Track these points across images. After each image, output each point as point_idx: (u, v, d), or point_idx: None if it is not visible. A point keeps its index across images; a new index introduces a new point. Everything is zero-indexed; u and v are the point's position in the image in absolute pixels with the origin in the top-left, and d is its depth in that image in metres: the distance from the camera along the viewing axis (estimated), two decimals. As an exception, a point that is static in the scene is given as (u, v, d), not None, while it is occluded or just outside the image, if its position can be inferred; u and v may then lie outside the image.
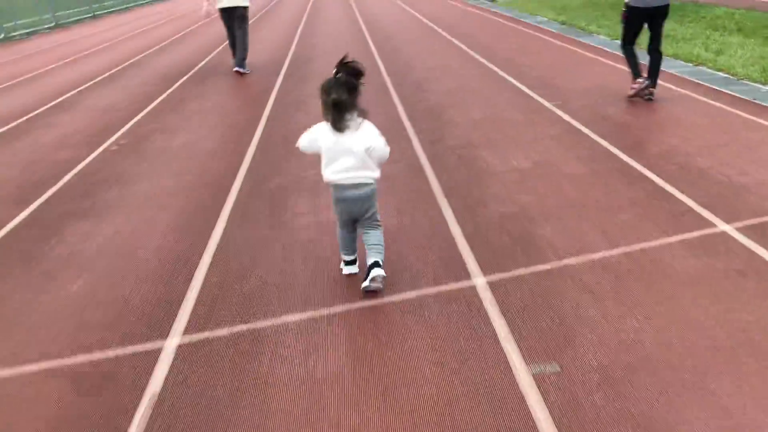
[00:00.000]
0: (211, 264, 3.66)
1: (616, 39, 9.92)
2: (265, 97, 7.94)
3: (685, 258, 3.35)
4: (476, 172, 4.81)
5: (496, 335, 2.84)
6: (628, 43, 6.44)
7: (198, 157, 5.70)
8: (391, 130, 6.04)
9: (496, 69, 8.63)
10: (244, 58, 9.51)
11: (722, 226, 3.66)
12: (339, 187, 3.12)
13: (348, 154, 3.04)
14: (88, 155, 6.02)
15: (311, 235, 3.95)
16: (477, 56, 9.69)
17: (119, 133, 6.72)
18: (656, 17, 6.15)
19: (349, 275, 3.42)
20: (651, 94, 6.37)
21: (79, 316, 3.27)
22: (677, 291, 3.07)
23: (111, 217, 4.47)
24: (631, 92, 6.49)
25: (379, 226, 3.27)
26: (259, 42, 12.29)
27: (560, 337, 2.80)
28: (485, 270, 3.36)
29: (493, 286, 3.22)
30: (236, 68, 9.53)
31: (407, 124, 6.28)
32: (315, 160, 3.25)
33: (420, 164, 5.08)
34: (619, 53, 6.84)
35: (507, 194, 4.34)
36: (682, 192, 4.16)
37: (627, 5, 6.24)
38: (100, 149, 6.21)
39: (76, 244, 4.10)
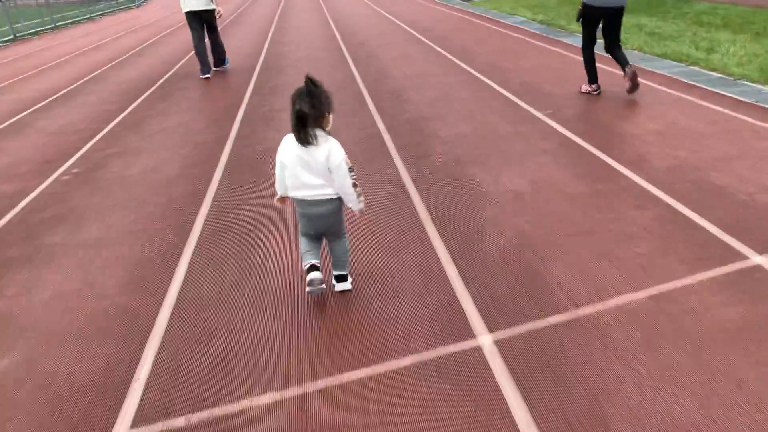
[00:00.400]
0: (167, 331, 3.11)
1: (600, 39, 9.53)
2: (233, 112, 7.38)
3: (722, 304, 2.88)
4: (468, 193, 4.32)
5: (511, 416, 2.34)
6: (587, 46, 6.47)
7: (157, 185, 5.14)
8: (370, 146, 5.53)
9: (478, 75, 8.16)
10: (222, 57, 9.96)
11: (755, 258, 3.21)
12: (301, 202, 3.01)
13: (310, 169, 2.91)
14: (37, 187, 5.43)
15: (285, 280, 3.43)
16: (457, 61, 9.22)
17: (72, 160, 6.13)
18: (613, 17, 6.18)
19: (316, 295, 2.92)
20: (635, 72, 6.22)
21: (5, 412, 2.72)
22: (717, 350, 2.60)
23: (54, 267, 3.90)
24: (582, 90, 6.71)
25: (344, 235, 3.17)
26: (229, 51, 11.69)
27: (588, 416, 2.31)
28: (491, 325, 2.87)
29: (501, 347, 2.72)
30: (215, 68, 9.96)
31: (387, 138, 5.78)
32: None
33: (404, 186, 4.57)
34: (606, 54, 6.45)
35: (504, 220, 3.85)
36: (702, 215, 3.71)
37: (583, 4, 6.26)
38: (51, 179, 5.61)
39: (13, 300, 3.53)
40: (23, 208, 4.96)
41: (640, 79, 6.45)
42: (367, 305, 3.11)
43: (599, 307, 2.93)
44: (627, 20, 11.02)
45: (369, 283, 3.31)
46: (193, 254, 3.83)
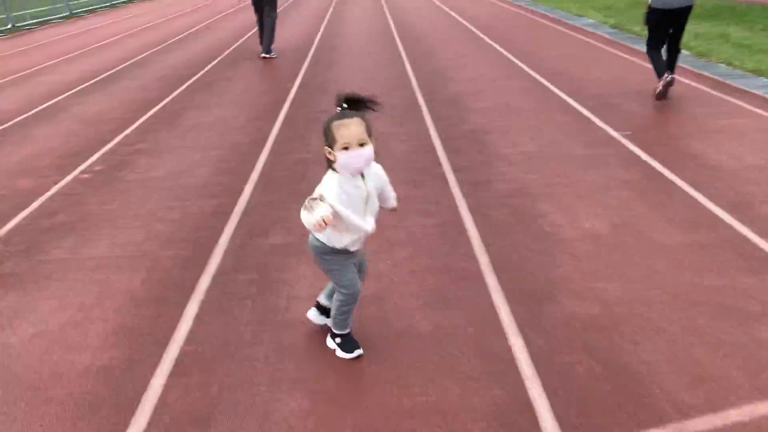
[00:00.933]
0: (156, 412, 2.53)
1: (685, 50, 8.63)
2: (276, 110, 6.81)
3: None
4: (535, 236, 3.62)
5: None
6: (653, 48, 6.23)
7: (180, 194, 4.59)
8: (421, 164, 4.86)
9: (544, 81, 7.39)
10: (270, 44, 9.97)
11: None
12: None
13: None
14: (53, 185, 4.94)
15: (307, 333, 2.81)
16: (520, 64, 8.45)
17: (98, 155, 5.64)
18: (679, 18, 6.00)
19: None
20: (670, 82, 6.06)
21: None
22: None
23: (48, 293, 3.37)
24: (660, 89, 6.19)
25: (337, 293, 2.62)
26: (280, 39, 11.15)
27: None
28: (570, 437, 2.19)
29: (585, 475, 2.05)
30: (263, 54, 9.96)
31: (442, 154, 5.10)
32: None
33: (460, 220, 3.90)
34: (693, 69, 5.72)
35: (582, 281, 3.15)
36: (838, 291, 2.94)
37: (649, 7, 6.11)
38: (70, 177, 5.12)
39: (-6, 333, 3.01)
40: (33, 212, 4.46)
41: (734, 101, 5.64)
42: (402, 386, 2.46)
43: (715, 421, 2.22)
44: (710, 30, 10.06)
45: (408, 347, 2.66)
46: (205, 296, 3.24)
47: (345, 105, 2.35)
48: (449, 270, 3.32)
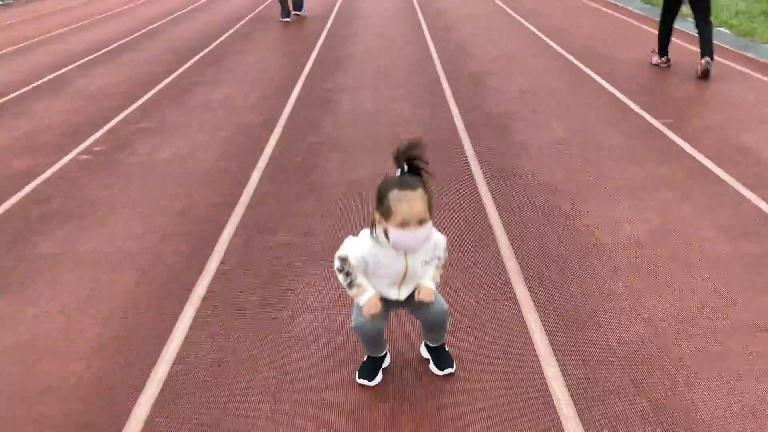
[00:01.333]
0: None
1: (725, 29, 8.12)
2: (289, 87, 6.43)
3: None
4: (566, 238, 3.26)
5: None
6: (661, 23, 6.29)
7: (183, 180, 4.26)
8: (444, 152, 4.47)
9: (575, 62, 6.92)
10: (300, 3, 10.17)
11: None
12: None
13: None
14: (50, 167, 4.63)
15: (313, 354, 2.48)
16: (549, 42, 7.96)
17: (99, 133, 5.31)
18: None
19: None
20: (708, 69, 5.85)
21: None
22: None
23: (30, 296, 3.07)
24: (652, 62, 6.49)
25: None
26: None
27: None
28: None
29: None
30: (294, 12, 10.18)
31: (465, 140, 4.72)
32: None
33: (486, 217, 3.54)
34: (735, 49, 5.39)
35: (628, 304, 2.79)
36: None
37: None
38: (69, 157, 4.81)
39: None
40: (26, 196, 4.16)
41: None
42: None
43: (791, 487, 1.87)
44: (752, 6, 9.46)
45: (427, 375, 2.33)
46: (202, 303, 2.92)
47: (405, 167, 2.03)
48: (477, 274, 2.96)
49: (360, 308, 2.15)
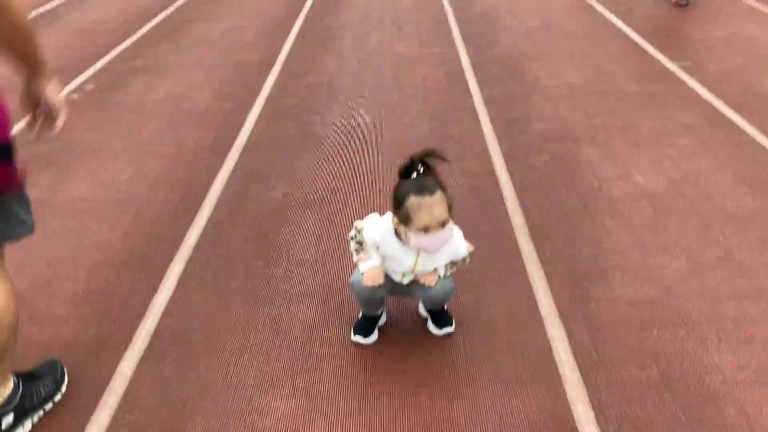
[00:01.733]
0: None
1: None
2: (289, 22, 6.14)
3: None
4: (580, 191, 3.10)
5: None
6: None
7: (175, 122, 4.07)
8: (447, 96, 4.25)
9: (590, 0, 6.57)
10: None
11: None
12: None
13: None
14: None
15: (307, 312, 2.37)
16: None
17: (91, 71, 5.09)
18: None
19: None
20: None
21: None
22: None
23: (20, 243, 2.94)
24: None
25: None
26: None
27: None
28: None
29: None
30: None
31: (472, 82, 4.49)
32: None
33: (492, 168, 3.37)
34: None
35: (635, 256, 2.64)
36: None
37: None
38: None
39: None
40: (14, 137, 3.98)
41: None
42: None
43: (808, 463, 1.77)
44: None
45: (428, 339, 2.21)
46: (191, 255, 2.79)
47: (421, 169, 1.90)
48: (485, 236, 2.82)
49: (360, 273, 2.05)
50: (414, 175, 1.89)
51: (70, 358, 2.21)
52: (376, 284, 2.02)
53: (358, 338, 2.23)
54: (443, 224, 1.87)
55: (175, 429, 1.93)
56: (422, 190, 1.84)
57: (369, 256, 2.03)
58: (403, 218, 1.88)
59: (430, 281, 2.07)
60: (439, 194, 1.85)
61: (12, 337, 1.77)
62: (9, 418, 1.86)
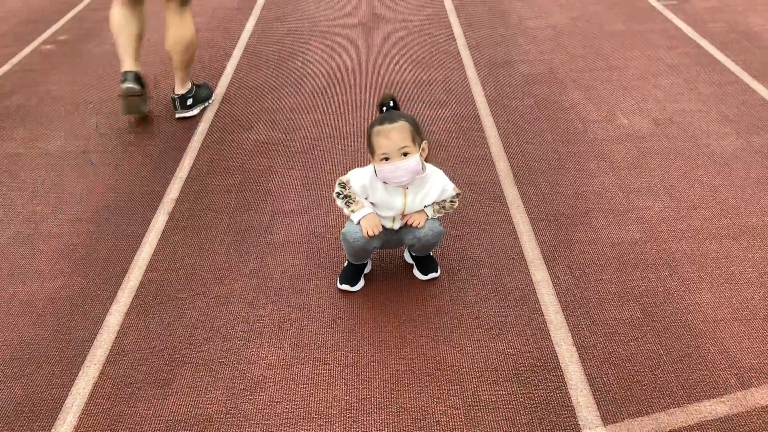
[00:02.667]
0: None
1: None
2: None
3: None
4: (566, 135, 3.08)
5: None
6: None
7: (156, 72, 3.97)
8: (430, 39, 4.16)
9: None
10: None
11: None
12: None
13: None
14: (11, 58, 4.31)
15: (294, 259, 2.37)
16: None
17: (63, 20, 4.94)
18: None
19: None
20: None
21: None
22: None
23: (-3, 194, 2.90)
24: None
25: None
26: None
27: None
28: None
29: (625, 467, 1.68)
30: None
31: (454, 22, 4.39)
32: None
33: (478, 116, 3.33)
34: None
35: (623, 204, 2.65)
36: None
37: None
38: (29, 48, 4.47)
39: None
40: (-17, 91, 3.88)
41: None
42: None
43: (784, 395, 1.82)
44: None
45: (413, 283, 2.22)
46: (174, 207, 2.76)
47: (391, 104, 2.05)
48: (462, 181, 2.80)
49: (354, 224, 2.07)
50: (384, 110, 2.02)
51: (55, 314, 2.21)
52: (377, 232, 2.02)
53: (345, 287, 2.23)
54: (404, 153, 1.92)
55: (163, 379, 1.94)
56: (383, 120, 1.96)
57: (361, 205, 2.05)
58: (370, 150, 1.98)
59: (418, 221, 2.09)
60: (401, 123, 1.94)
61: (195, 51, 3.32)
62: (190, 101, 3.36)
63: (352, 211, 2.06)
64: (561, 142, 3.03)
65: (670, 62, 3.75)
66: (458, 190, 2.14)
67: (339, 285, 2.24)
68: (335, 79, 3.77)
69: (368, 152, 2.02)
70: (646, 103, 3.34)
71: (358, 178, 2.05)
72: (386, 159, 1.94)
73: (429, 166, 2.06)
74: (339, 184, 2.08)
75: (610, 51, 3.94)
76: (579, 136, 3.08)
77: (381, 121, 1.97)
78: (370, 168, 2.04)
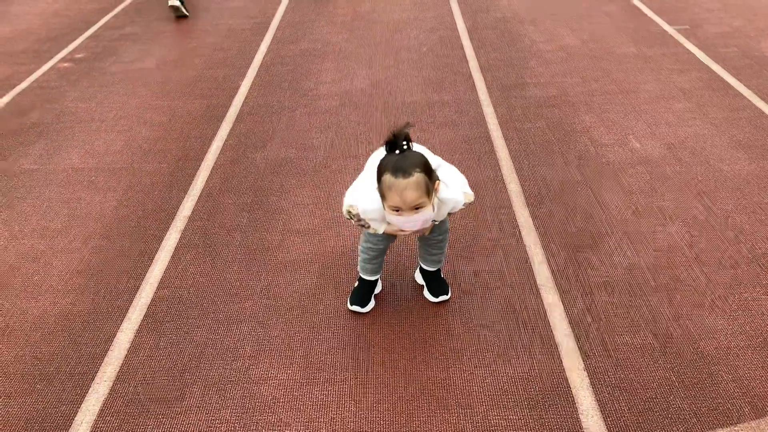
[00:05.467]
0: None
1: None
2: None
3: None
4: (575, 159, 3.08)
5: None
6: None
7: (168, 91, 4.02)
8: (443, 61, 4.19)
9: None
10: None
11: None
12: None
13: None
14: (29, 75, 4.38)
15: (304, 280, 2.37)
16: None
17: (81, 39, 5.01)
18: None
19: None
20: None
21: None
22: None
23: (8, 213, 2.93)
24: None
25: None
26: None
27: None
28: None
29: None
30: None
31: (467, 45, 4.43)
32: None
33: (488, 135, 3.34)
34: None
35: (636, 228, 2.64)
36: None
37: None
38: (48, 65, 4.54)
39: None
40: (2, 108, 3.94)
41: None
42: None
43: (799, 425, 1.79)
44: None
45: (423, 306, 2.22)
46: (187, 225, 2.78)
47: (404, 146, 1.82)
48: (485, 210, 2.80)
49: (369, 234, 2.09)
50: (398, 151, 1.81)
51: (67, 330, 2.22)
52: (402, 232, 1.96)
53: (355, 308, 2.23)
54: (417, 207, 1.79)
55: (172, 398, 1.94)
56: (398, 171, 1.75)
57: (378, 222, 1.98)
58: (380, 193, 1.83)
59: (424, 229, 2.04)
60: (415, 177, 1.75)
61: None
62: None
63: (370, 228, 2.01)
64: (573, 165, 3.03)
65: (682, 86, 3.76)
66: (470, 199, 2.04)
67: (349, 306, 2.24)
68: (348, 99, 3.80)
69: (377, 188, 1.85)
70: (658, 126, 3.34)
71: (366, 207, 1.91)
72: (396, 210, 1.81)
73: (441, 185, 1.90)
74: (347, 214, 2.00)
75: (623, 75, 3.95)
76: (591, 159, 3.09)
77: (394, 172, 1.75)
78: (376, 198, 1.87)
